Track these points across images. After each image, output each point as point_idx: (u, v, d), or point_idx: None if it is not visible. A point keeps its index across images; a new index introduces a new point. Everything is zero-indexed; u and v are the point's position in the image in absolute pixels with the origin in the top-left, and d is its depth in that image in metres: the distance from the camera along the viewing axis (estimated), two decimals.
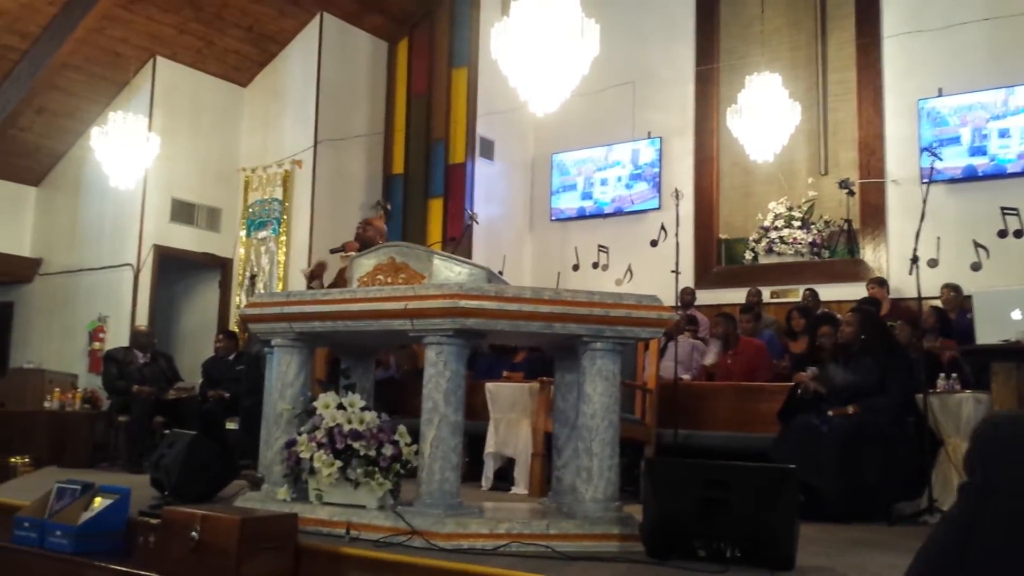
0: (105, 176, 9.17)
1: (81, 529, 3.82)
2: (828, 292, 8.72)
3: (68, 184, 10.89)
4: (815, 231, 9.42)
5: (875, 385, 5.24)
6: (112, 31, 9.70)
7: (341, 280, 5.64)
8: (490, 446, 6.34)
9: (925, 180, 6.30)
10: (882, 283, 8.01)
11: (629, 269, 10.39)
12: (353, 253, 5.70)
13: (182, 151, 10.39)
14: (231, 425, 7.86)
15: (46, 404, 8.63)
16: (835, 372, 5.45)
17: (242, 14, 10.27)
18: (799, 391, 5.55)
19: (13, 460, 7.25)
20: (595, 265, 10.69)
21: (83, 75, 10.03)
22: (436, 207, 10.78)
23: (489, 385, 6.49)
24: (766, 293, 9.15)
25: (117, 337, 9.73)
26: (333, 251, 6.44)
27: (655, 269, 9.47)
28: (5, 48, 9.32)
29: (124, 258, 10.16)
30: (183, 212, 10.50)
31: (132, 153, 9.00)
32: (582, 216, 10.89)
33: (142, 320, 9.75)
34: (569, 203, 10.97)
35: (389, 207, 10.70)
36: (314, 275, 6.39)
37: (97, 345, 10.15)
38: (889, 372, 5.27)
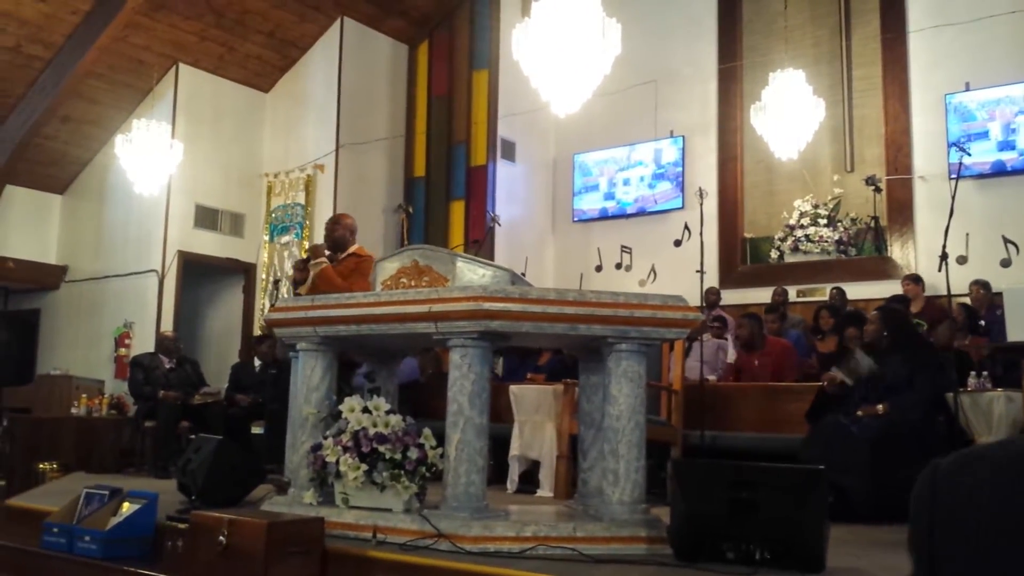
0: (129, 183, 9.27)
1: (109, 534, 3.85)
2: (856, 290, 8.65)
3: (93, 191, 11.01)
4: (841, 229, 9.35)
5: (904, 383, 5.19)
6: (135, 39, 9.80)
7: (314, 287, 5.53)
8: (515, 449, 6.33)
9: (953, 176, 6.25)
10: (917, 280, 7.88)
11: (653, 270, 10.35)
12: (323, 258, 5.61)
13: (205, 157, 10.47)
14: (256, 429, 7.91)
15: (73, 410, 8.71)
16: (862, 359, 5.42)
17: (263, 20, 10.34)
18: (826, 386, 5.51)
19: (41, 466, 7.33)
20: (618, 266, 10.66)
21: (106, 83, 10.14)
22: (458, 209, 10.80)
23: (513, 388, 6.48)
24: (792, 292, 9.09)
25: (143, 343, 9.82)
26: (305, 261, 6.04)
27: (679, 269, 9.44)
28: (29, 58, 9.44)
29: (149, 264, 10.25)
30: (207, 218, 10.58)
31: (156, 160, 9.10)
32: (605, 217, 10.86)
33: (167, 326, 9.83)
34: (591, 204, 10.95)
35: (411, 210, 10.73)
36: (303, 266, 6.05)
37: (123, 351, 10.24)
38: (917, 369, 5.22)
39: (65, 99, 9.74)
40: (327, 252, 5.72)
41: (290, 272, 6.11)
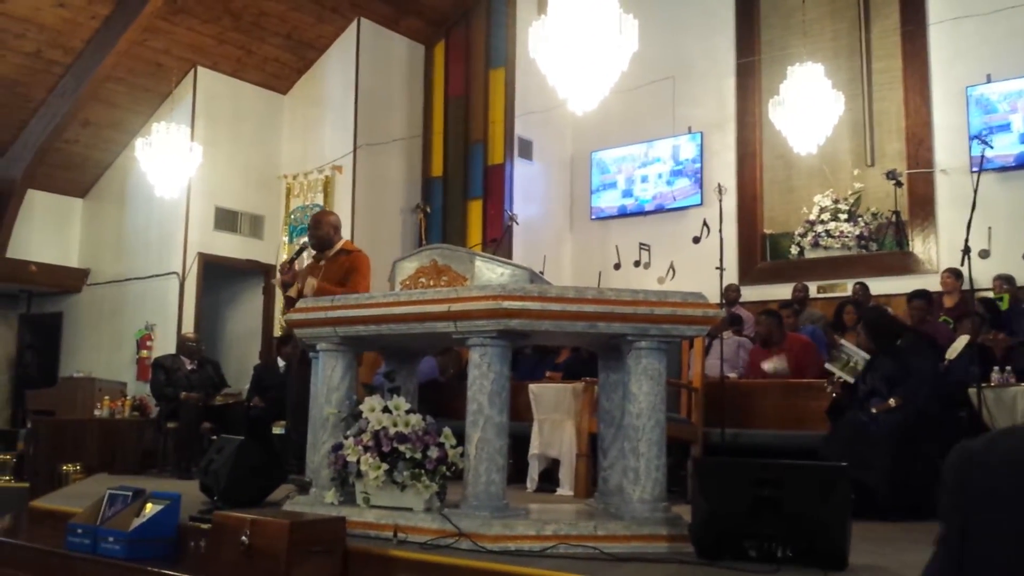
0: (150, 186, 9.34)
1: (133, 535, 3.88)
2: (877, 285, 8.60)
3: (114, 195, 11.10)
4: (862, 224, 9.29)
5: (902, 371, 5.17)
6: (153, 43, 9.87)
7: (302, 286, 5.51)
8: (534, 447, 6.33)
9: (975, 169, 6.19)
10: (958, 275, 7.71)
11: (671, 267, 10.32)
12: (311, 279, 5.53)
13: (224, 160, 10.54)
14: (277, 430, 7.95)
15: (96, 412, 8.79)
16: (852, 351, 5.44)
17: (280, 22, 10.38)
18: (829, 390, 5.49)
19: (65, 468, 7.40)
20: (636, 263, 10.63)
21: (126, 87, 10.22)
22: (475, 209, 10.81)
23: (532, 386, 6.48)
24: (813, 288, 9.04)
25: (164, 345, 9.90)
26: (290, 262, 5.94)
27: (698, 266, 9.40)
28: (49, 63, 9.53)
29: (170, 267, 10.33)
30: (226, 220, 10.65)
31: (176, 163, 9.16)
32: (623, 214, 10.84)
33: (188, 327, 9.90)
34: (609, 201, 10.93)
35: (428, 210, 10.75)
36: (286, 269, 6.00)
37: (145, 353, 10.33)
38: (908, 354, 5.20)
39: (85, 103, 9.82)
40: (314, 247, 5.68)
41: (277, 276, 5.96)
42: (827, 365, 5.66)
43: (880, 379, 5.24)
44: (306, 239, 5.85)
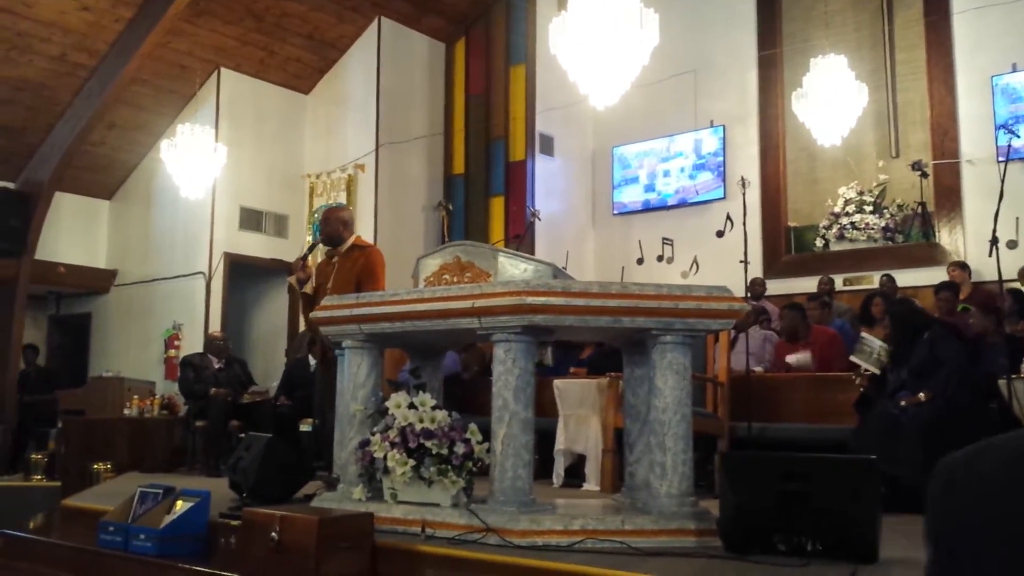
0: (175, 187, 9.41)
1: (164, 532, 3.91)
2: (904, 277, 8.52)
3: (140, 196, 11.20)
4: (888, 215, 9.20)
5: (930, 362, 5.11)
6: (177, 45, 9.94)
7: (320, 288, 5.52)
8: (560, 443, 6.32)
9: (1002, 159, 6.11)
10: (963, 267, 7.76)
11: (695, 261, 10.28)
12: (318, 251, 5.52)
13: (248, 160, 10.60)
14: (305, 427, 7.99)
15: (125, 411, 8.87)
16: (872, 342, 5.39)
17: (302, 22, 10.42)
18: (858, 383, 5.44)
19: (96, 467, 7.47)
20: (659, 258, 10.59)
21: (151, 89, 10.31)
22: (497, 205, 10.81)
23: (557, 382, 6.47)
24: (839, 281, 8.96)
25: (192, 344, 9.98)
26: (304, 258, 5.85)
27: (722, 260, 9.35)
28: (75, 66, 9.62)
29: (196, 266, 10.41)
30: (251, 220, 10.71)
31: (200, 164, 9.22)
32: (646, 209, 10.80)
33: (215, 327, 9.97)
34: (632, 196, 10.90)
35: (451, 207, 10.76)
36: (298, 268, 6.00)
37: (172, 352, 10.42)
38: (936, 344, 5.14)
39: (110, 106, 9.90)
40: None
41: (292, 277, 5.95)
42: (852, 358, 5.61)
43: (908, 372, 5.19)
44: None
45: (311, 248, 6.13)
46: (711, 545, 3.44)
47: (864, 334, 5.73)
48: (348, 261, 5.56)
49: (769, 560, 3.15)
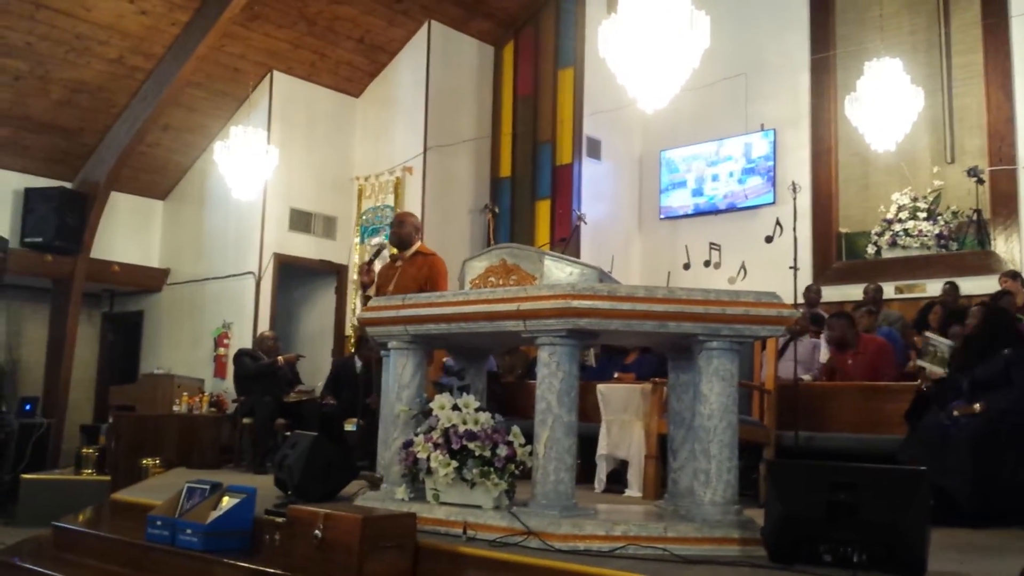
0: (228, 188, 9.54)
1: (210, 527, 3.96)
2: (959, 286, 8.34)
3: (193, 197, 11.39)
4: (942, 222, 9.02)
5: (1002, 379, 4.97)
6: (231, 48, 10.10)
7: (381, 291, 5.64)
8: (602, 448, 6.28)
9: None
10: (1015, 276, 7.58)
11: (743, 267, 10.16)
12: (387, 254, 5.67)
13: (299, 162, 10.73)
14: (349, 427, 8.05)
15: (175, 408, 9.02)
16: (939, 344, 5.25)
17: (353, 26, 10.53)
18: (923, 385, 5.32)
19: (145, 462, 7.61)
20: (707, 263, 10.49)
21: (205, 92, 10.48)
22: (544, 209, 10.80)
23: (601, 386, 6.44)
24: (889, 288, 8.79)
25: (241, 342, 10.10)
26: (370, 263, 6.17)
27: (770, 266, 9.24)
28: (132, 69, 9.81)
29: (246, 266, 10.55)
30: (301, 221, 10.84)
31: (252, 165, 9.33)
32: (693, 213, 10.71)
33: (264, 326, 10.10)
34: (679, 200, 10.82)
35: (497, 210, 10.78)
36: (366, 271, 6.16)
37: (222, 351, 10.57)
38: (1012, 363, 5.00)
39: (166, 108, 10.09)
40: (394, 251, 5.80)
41: (355, 277, 6.17)
42: (918, 362, 5.47)
43: (971, 381, 5.06)
44: (379, 240, 5.98)
45: (377, 252, 6.28)
46: (755, 555, 3.40)
47: (928, 334, 5.58)
48: (412, 267, 5.70)
49: (814, 571, 3.11)
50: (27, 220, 10.05)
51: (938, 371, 5.27)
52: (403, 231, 5.87)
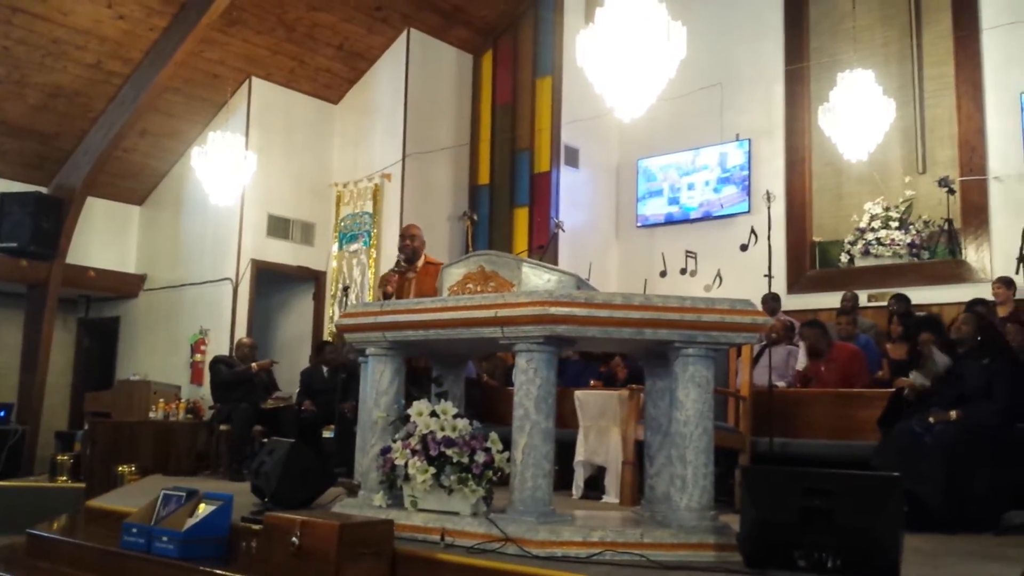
0: (205, 194, 9.49)
1: (186, 535, 3.93)
2: (929, 295, 8.43)
3: (170, 202, 11.31)
4: (914, 232, 9.11)
5: (981, 391, 5.02)
6: (210, 54, 10.04)
7: (400, 296, 5.74)
8: (580, 454, 6.30)
9: None
10: (1009, 284, 7.53)
11: (718, 275, 10.22)
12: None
13: (277, 168, 10.68)
14: (327, 434, 8.01)
15: (151, 415, 8.95)
16: (939, 359, 5.26)
17: (332, 33, 10.51)
18: (907, 394, 5.34)
19: (120, 469, 7.53)
20: (683, 271, 10.54)
21: (183, 97, 10.42)
22: (522, 216, 10.81)
23: (578, 393, 6.45)
24: (862, 297, 8.86)
25: (218, 349, 10.05)
26: (399, 272, 6.15)
27: (746, 274, 9.29)
28: (109, 74, 9.74)
29: (224, 273, 10.48)
30: (279, 227, 10.79)
31: (230, 171, 9.28)
32: (669, 222, 10.76)
33: (241, 333, 10.04)
34: (655, 209, 10.86)
35: (475, 217, 10.78)
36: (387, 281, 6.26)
37: (199, 357, 10.49)
38: (996, 376, 5.04)
39: (143, 113, 10.01)
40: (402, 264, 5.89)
41: (378, 289, 6.25)
42: (912, 374, 5.46)
43: (947, 386, 5.09)
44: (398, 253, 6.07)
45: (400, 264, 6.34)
46: (731, 560, 3.42)
47: (934, 348, 5.55)
48: (428, 276, 5.85)
49: None
50: (2, 225, 9.92)
51: (926, 383, 5.29)
52: (416, 243, 6.05)
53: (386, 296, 5.91)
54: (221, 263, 10.53)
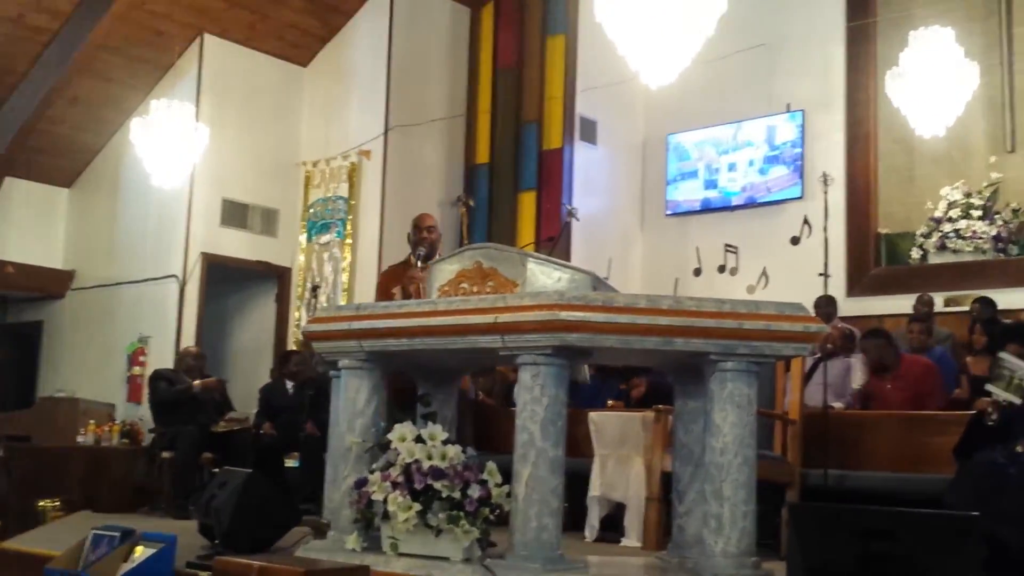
0: (146, 174, 9.50)
1: None
2: (1018, 298, 8.43)
3: (105, 185, 11.34)
4: (1000, 222, 9.12)
5: None
6: (154, 6, 10.05)
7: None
8: (595, 488, 6.31)
9: None
10: None
11: (764, 273, 10.24)
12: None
13: (234, 143, 10.69)
14: (291, 462, 8.02)
15: (79, 439, 8.96)
16: (1016, 366, 5.25)
17: None
18: (986, 416, 5.34)
19: (42, 504, 7.52)
20: (721, 268, 10.56)
21: (121, 58, 10.43)
22: (528, 201, 10.82)
23: (593, 415, 6.47)
24: (938, 300, 8.87)
25: (160, 360, 10.04)
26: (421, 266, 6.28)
27: (796, 272, 9.29)
28: (33, 29, 9.76)
29: (168, 269, 10.50)
30: (235, 214, 10.80)
31: (177, 147, 9.29)
32: (705, 209, 10.78)
33: (189, 340, 10.06)
34: (689, 194, 10.88)
35: (472, 203, 10.79)
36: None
37: (137, 370, 10.51)
38: None
39: (74, 77, 10.04)
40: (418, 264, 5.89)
41: (393, 290, 6.15)
42: (988, 386, 5.48)
43: None
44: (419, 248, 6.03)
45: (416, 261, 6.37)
46: None
47: (1004, 354, 5.58)
48: None
49: None
50: None
51: (1012, 399, 5.29)
52: (434, 236, 6.06)
53: (406, 298, 5.83)
54: (165, 257, 10.55)
